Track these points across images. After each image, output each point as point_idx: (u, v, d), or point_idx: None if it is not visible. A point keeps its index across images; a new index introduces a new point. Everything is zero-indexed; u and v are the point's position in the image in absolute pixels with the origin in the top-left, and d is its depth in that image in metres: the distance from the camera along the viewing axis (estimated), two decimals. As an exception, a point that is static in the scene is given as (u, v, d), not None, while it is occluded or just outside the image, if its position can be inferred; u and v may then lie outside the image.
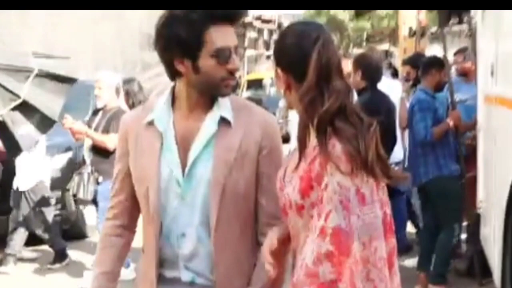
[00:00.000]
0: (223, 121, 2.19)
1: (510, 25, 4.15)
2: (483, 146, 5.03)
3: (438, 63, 5.94)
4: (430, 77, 5.84)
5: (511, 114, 3.95)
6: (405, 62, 8.32)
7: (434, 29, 19.69)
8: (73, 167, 6.69)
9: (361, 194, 1.88)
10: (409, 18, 14.28)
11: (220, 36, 2.13)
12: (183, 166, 2.19)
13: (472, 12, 10.70)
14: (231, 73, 2.16)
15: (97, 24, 9.75)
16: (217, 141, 2.18)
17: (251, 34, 21.47)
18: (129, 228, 2.40)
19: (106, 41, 9.36)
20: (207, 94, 2.20)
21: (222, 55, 2.13)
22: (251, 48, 21.91)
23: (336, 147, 1.89)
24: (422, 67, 6.24)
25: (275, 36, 25.92)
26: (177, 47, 2.13)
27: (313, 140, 1.98)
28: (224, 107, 2.21)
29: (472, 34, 11.05)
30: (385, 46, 18.41)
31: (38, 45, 6.57)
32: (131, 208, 2.35)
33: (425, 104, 5.59)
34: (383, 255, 1.89)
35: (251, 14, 17.71)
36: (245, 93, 18.16)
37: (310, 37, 2.02)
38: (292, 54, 2.03)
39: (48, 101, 5.97)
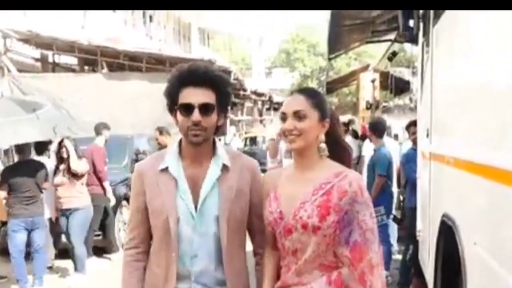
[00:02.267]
0: (224, 167, 2.18)
1: (439, 103, 4.22)
2: (421, 190, 4.98)
3: (410, 127, 6.36)
4: (409, 136, 6.36)
5: (440, 166, 3.98)
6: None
7: (385, 104, 19.91)
8: None
9: (371, 217, 2.03)
10: (367, 95, 14.40)
11: (185, 95, 2.09)
12: (195, 203, 2.14)
13: (414, 91, 10.85)
14: (195, 124, 2.08)
15: (137, 98, 10.56)
16: (221, 183, 2.15)
17: (248, 104, 21.61)
18: (147, 253, 2.28)
19: (142, 109, 9.84)
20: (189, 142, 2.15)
21: (183, 109, 2.08)
22: (248, 114, 22.05)
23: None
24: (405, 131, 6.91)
25: (266, 106, 26.07)
26: (168, 103, 2.17)
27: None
28: (223, 155, 2.19)
29: (413, 108, 11.19)
30: (348, 115, 18.62)
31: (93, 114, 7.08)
32: (148, 238, 2.26)
33: (410, 157, 5.82)
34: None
35: (249, 89, 17.84)
36: (244, 147, 18.47)
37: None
38: (328, 111, 2.16)
39: None
